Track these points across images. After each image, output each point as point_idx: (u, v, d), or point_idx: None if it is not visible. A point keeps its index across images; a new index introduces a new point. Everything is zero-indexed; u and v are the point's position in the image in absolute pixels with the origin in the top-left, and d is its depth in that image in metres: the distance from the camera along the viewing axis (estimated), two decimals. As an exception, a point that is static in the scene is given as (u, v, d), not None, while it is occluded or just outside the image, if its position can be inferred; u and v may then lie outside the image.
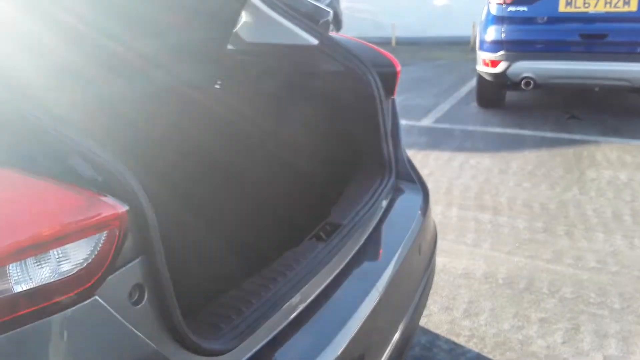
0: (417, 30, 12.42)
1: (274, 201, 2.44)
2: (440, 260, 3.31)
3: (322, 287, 1.60)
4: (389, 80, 2.29)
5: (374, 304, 1.60)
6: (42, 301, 0.93)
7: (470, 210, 4.04)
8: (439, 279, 3.13)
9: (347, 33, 11.96)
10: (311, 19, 2.33)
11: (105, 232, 0.99)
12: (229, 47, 2.57)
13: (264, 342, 1.38)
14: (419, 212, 2.13)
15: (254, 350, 1.34)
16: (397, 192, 2.21)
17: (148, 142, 2.38)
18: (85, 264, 0.98)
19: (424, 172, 2.43)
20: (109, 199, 1.01)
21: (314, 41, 2.28)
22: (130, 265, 1.07)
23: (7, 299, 0.90)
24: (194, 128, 2.61)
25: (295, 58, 2.35)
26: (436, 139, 5.77)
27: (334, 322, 1.51)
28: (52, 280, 0.94)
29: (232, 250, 2.07)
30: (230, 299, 1.45)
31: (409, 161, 2.43)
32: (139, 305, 1.08)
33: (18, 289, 0.91)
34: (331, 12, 2.43)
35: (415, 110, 6.87)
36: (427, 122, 6.48)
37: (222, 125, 2.63)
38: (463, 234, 3.69)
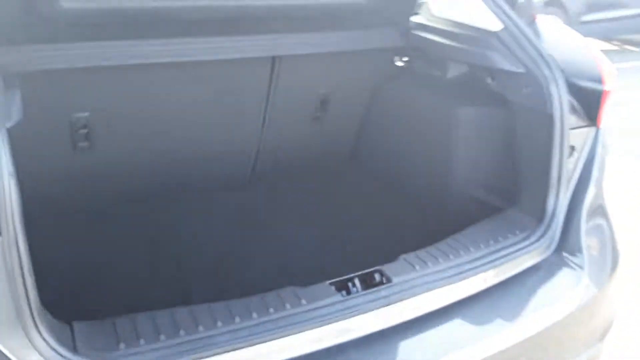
0: None
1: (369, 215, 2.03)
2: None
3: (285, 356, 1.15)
4: (591, 101, 1.52)
5: None
6: None
7: None
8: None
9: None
10: (508, -4, 1.67)
11: None
12: (419, 19, 2.06)
13: None
14: (554, 306, 1.39)
15: None
16: (548, 264, 1.49)
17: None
18: None
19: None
20: None
21: (499, 26, 1.63)
22: None
23: None
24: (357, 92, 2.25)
25: (475, 46, 1.74)
26: None
27: None
28: None
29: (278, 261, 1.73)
30: (173, 315, 1.16)
31: (609, 226, 1.63)
32: None
33: None
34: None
35: None
36: None
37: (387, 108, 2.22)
38: None
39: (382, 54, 2.15)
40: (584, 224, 1.54)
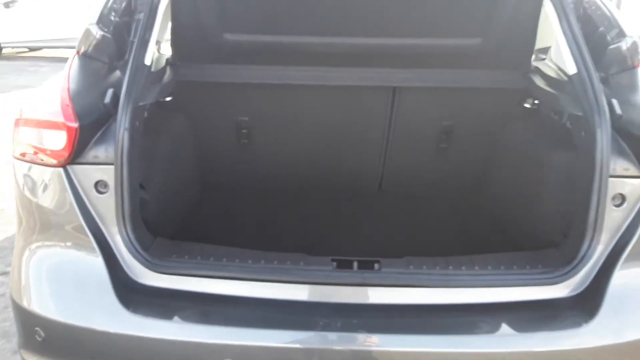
0: None
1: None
2: None
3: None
4: None
5: None
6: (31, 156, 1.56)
7: None
8: None
9: None
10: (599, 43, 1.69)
11: (64, 132, 1.49)
12: (540, 64, 2.11)
13: (176, 287, 1.52)
14: (530, 338, 1.42)
15: (156, 285, 1.53)
16: (560, 303, 1.50)
17: None
18: (60, 146, 1.51)
19: None
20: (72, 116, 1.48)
21: (574, 69, 1.67)
22: (97, 166, 1.52)
23: None
24: None
25: (555, 89, 1.81)
26: None
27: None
28: (40, 146, 1.54)
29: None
30: (216, 249, 1.62)
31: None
32: (103, 195, 1.54)
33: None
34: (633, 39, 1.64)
35: None
36: None
37: None
38: None
39: (508, 94, 2.25)
40: (617, 274, 1.48)
